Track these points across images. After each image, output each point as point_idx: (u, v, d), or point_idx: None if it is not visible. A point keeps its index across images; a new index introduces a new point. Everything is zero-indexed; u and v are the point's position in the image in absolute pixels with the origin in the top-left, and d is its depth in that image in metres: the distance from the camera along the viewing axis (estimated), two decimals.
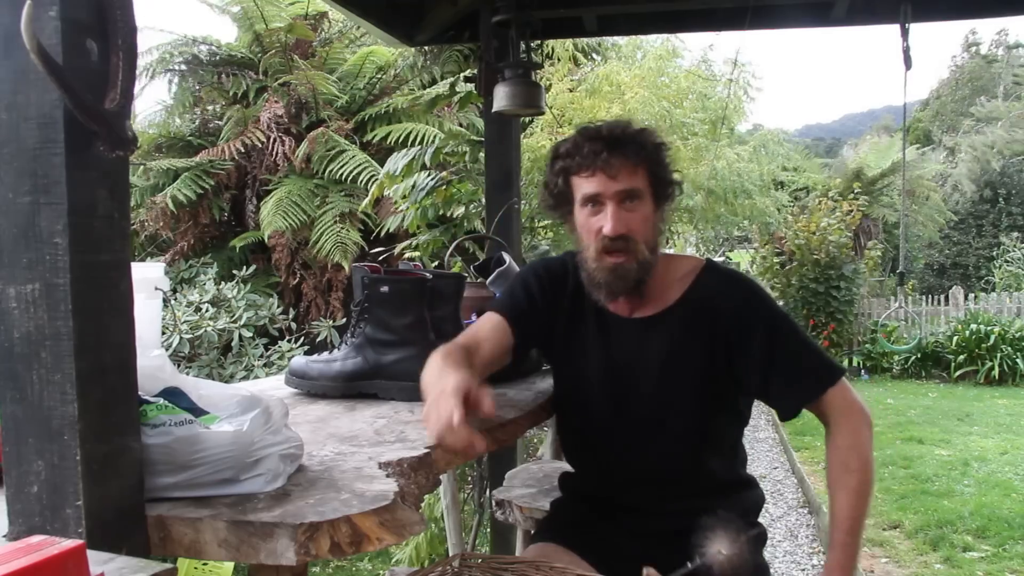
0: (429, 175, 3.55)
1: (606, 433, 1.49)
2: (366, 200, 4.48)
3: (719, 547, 1.11)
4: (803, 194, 13.40)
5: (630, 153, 1.37)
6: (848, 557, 1.32)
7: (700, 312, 1.42)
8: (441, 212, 3.59)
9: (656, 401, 1.43)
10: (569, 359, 1.54)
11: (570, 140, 1.43)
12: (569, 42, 6.76)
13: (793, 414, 1.42)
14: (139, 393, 0.86)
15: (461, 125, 5.83)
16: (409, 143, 5.31)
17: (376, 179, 5.02)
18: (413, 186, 3.53)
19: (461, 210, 3.57)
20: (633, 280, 1.40)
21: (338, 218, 5.44)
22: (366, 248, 5.43)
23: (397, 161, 3.59)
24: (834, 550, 1.33)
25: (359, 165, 5.42)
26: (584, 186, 1.39)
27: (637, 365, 1.45)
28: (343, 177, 5.50)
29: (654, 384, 1.43)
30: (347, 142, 5.67)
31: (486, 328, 1.45)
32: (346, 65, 6.33)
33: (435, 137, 5.07)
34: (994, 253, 14.12)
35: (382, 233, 4.88)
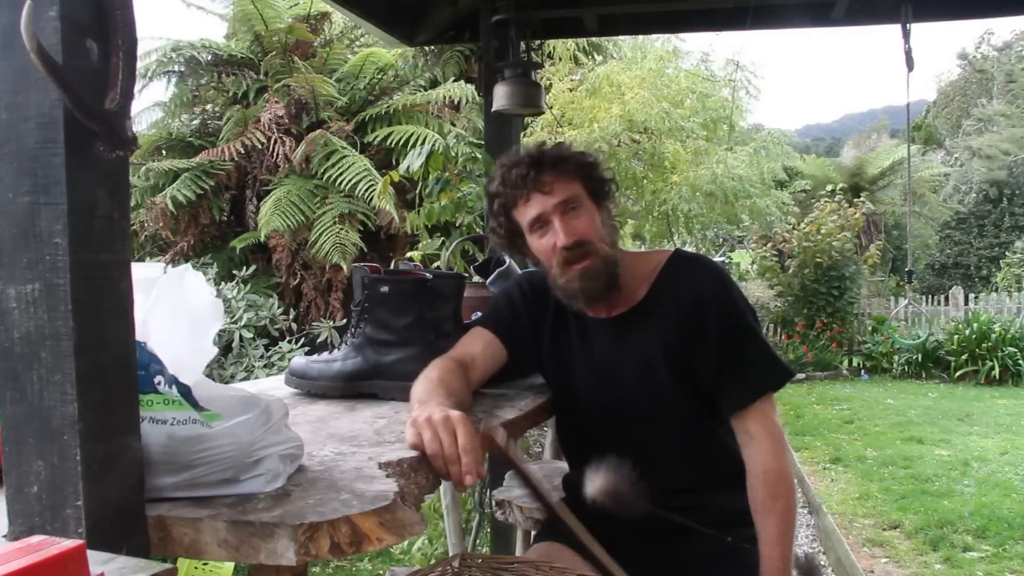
0: (436, 176, 3.54)
1: (600, 435, 1.49)
2: (379, 186, 4.39)
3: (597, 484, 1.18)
4: (802, 195, 13.39)
5: (556, 166, 1.40)
6: None
7: (667, 301, 1.42)
8: (445, 217, 3.57)
9: (642, 398, 1.43)
10: (557, 368, 1.54)
11: (497, 176, 1.46)
12: (570, 41, 6.77)
13: (728, 414, 1.40)
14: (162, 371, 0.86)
15: (461, 126, 5.82)
16: (414, 144, 5.28)
17: (374, 188, 4.98)
18: (425, 181, 3.52)
19: (467, 217, 3.55)
20: (605, 277, 1.40)
21: (337, 219, 5.42)
22: (365, 249, 5.42)
23: (414, 160, 3.58)
24: None
25: (358, 174, 5.34)
26: (526, 213, 1.42)
27: (619, 364, 1.45)
28: (340, 182, 5.46)
29: (637, 382, 1.43)
30: (346, 145, 5.63)
31: (479, 345, 1.46)
32: (346, 66, 6.32)
33: (436, 139, 5.04)
34: (996, 253, 14.09)
35: (382, 235, 4.87)
